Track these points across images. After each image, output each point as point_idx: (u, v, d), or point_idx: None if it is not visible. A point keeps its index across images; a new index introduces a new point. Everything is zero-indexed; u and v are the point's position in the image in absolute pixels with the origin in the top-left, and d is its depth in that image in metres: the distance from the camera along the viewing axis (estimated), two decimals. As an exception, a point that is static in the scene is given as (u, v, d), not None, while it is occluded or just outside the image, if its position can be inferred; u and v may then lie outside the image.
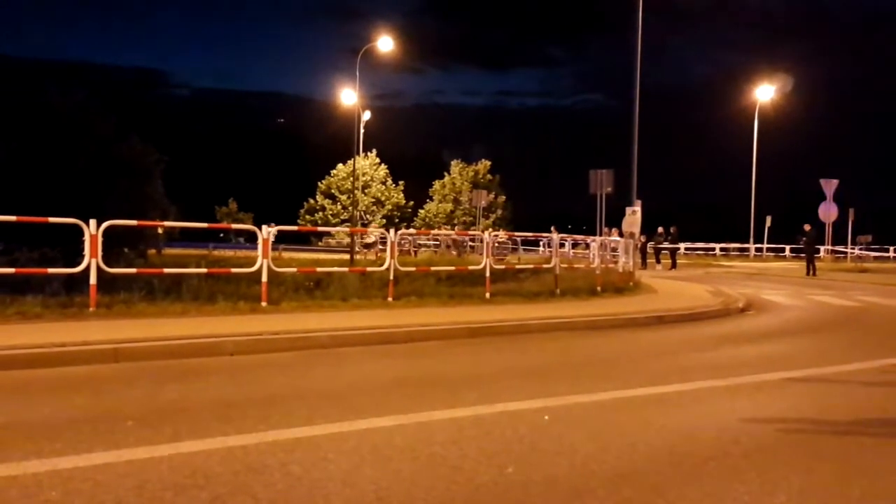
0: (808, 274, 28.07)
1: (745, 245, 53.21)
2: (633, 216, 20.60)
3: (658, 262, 33.50)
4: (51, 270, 10.70)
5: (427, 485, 4.11)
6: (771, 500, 4.04)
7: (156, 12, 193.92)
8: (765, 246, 52.08)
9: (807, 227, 29.67)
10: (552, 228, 29.15)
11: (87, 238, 10.11)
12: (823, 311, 14.94)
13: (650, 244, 33.25)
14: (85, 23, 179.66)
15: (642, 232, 27.00)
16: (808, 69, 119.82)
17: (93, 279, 10.08)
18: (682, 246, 38.92)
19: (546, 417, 5.67)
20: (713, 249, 54.14)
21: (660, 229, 33.53)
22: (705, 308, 14.11)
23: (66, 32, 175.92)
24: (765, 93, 52.22)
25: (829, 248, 40.93)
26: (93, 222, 10.11)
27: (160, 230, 16.28)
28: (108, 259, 10.48)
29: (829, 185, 32.85)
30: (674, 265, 32.77)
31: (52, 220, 10.34)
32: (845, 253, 44.91)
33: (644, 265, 30.98)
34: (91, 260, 10.08)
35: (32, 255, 11.91)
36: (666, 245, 33.61)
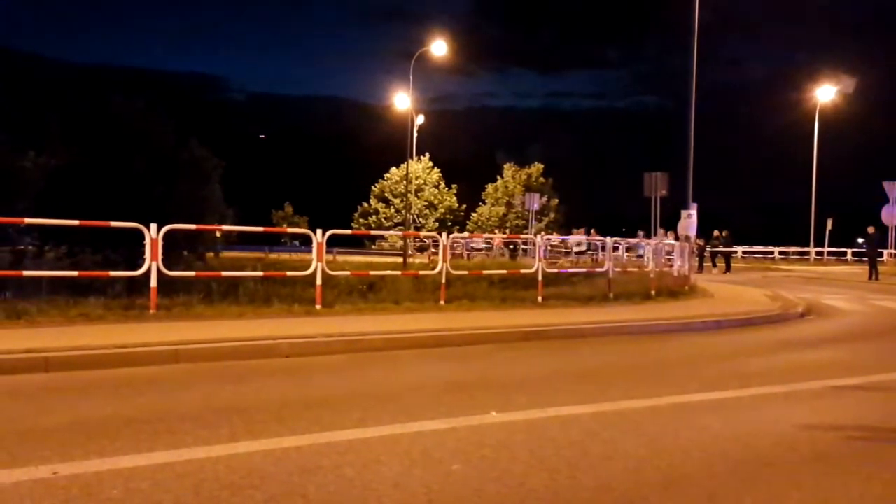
0: (870, 278, 27.32)
1: (805, 248, 51.97)
2: (689, 219, 20.32)
3: (714, 265, 32.98)
4: (113, 273, 10.99)
5: (477, 487, 4.12)
6: (829, 509, 3.96)
7: (212, 18, 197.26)
8: (825, 249, 50.80)
9: (870, 230, 28.86)
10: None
11: (147, 242, 10.33)
12: (886, 317, 14.55)
13: (707, 247, 32.75)
14: (143, 29, 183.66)
15: (698, 235, 26.61)
16: (874, 68, 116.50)
17: (153, 282, 10.31)
18: (738, 249, 38.18)
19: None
20: (771, 253, 53.05)
21: (716, 232, 33.01)
22: (763, 313, 13.85)
23: (125, 39, 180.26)
24: (826, 93, 50.98)
25: (893, 251, 39.76)
26: (153, 226, 10.34)
27: (218, 233, 16.58)
28: (167, 262, 10.70)
29: (893, 188, 31.94)
30: (728, 269, 32.21)
31: (113, 224, 10.61)
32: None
33: (700, 269, 30.52)
34: (151, 263, 10.30)
35: (95, 258, 12.25)
36: (721, 248, 33.08)
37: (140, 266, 10.43)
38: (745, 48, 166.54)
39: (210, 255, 16.76)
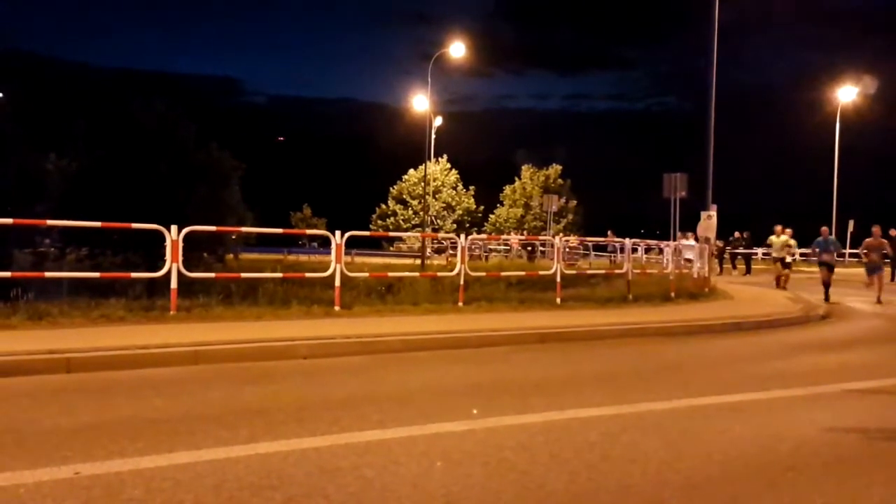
0: (892, 280, 27.05)
1: (827, 250, 51.39)
2: (709, 221, 20.18)
3: (734, 267, 32.76)
4: (133, 275, 11.06)
5: (497, 489, 4.11)
6: (852, 513, 3.93)
7: (232, 22, 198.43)
8: (847, 251, 50.36)
9: (892, 232, 28.56)
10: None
11: (168, 243, 10.39)
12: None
13: (727, 249, 32.54)
14: (163, 32, 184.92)
15: (718, 236, 26.43)
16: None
17: (174, 283, 10.37)
18: (759, 251, 37.85)
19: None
20: (793, 254, 52.63)
21: (736, 234, 32.79)
22: (784, 315, 13.75)
23: (146, 42, 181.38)
24: (847, 93, 50.53)
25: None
26: (174, 228, 10.40)
27: (233, 235, 16.66)
28: (187, 263, 10.76)
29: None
30: (748, 271, 31.98)
31: (135, 226, 10.69)
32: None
33: (720, 271, 30.33)
34: (172, 265, 10.36)
35: (116, 260, 12.35)
36: (741, 250, 32.86)
37: (160, 268, 10.49)
38: (766, 49, 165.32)
39: (229, 256, 16.86)
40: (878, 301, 17.61)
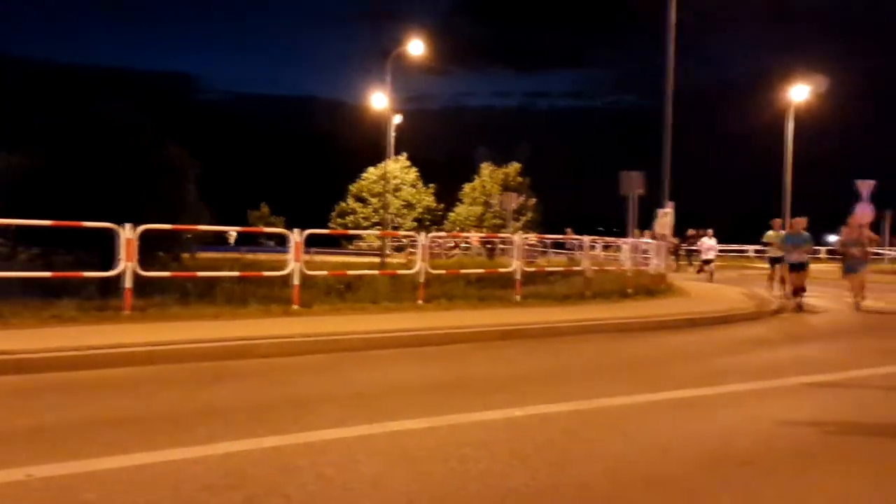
0: (844, 276, 27.59)
1: (780, 246, 52.34)
2: (665, 218, 20.46)
3: (690, 264, 33.20)
4: (86, 274, 10.83)
5: (457, 487, 4.11)
6: (806, 505, 3.99)
7: (189, 18, 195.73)
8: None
9: (843, 229, 29.15)
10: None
11: (122, 242, 10.22)
12: (860, 315, 14.71)
13: (683, 246, 32.97)
14: (118, 29, 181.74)
15: (674, 234, 26.75)
16: (848, 67, 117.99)
17: (128, 283, 10.20)
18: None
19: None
20: (746, 251, 53.49)
21: (691, 231, 33.23)
22: (738, 311, 13.96)
23: (101, 38, 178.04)
24: (799, 93, 51.47)
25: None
26: (128, 226, 10.23)
27: (191, 234, 16.42)
28: (142, 262, 10.58)
29: (866, 186, 32.33)
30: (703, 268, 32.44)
31: (86, 224, 10.47)
32: (882, 255, 44.13)
33: (676, 268, 30.71)
34: (126, 264, 10.19)
35: (68, 259, 12.08)
36: (696, 247, 33.31)
37: (115, 267, 10.32)
38: (724, 47, 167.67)
39: (186, 255, 16.61)
40: (857, 308, 15.06)
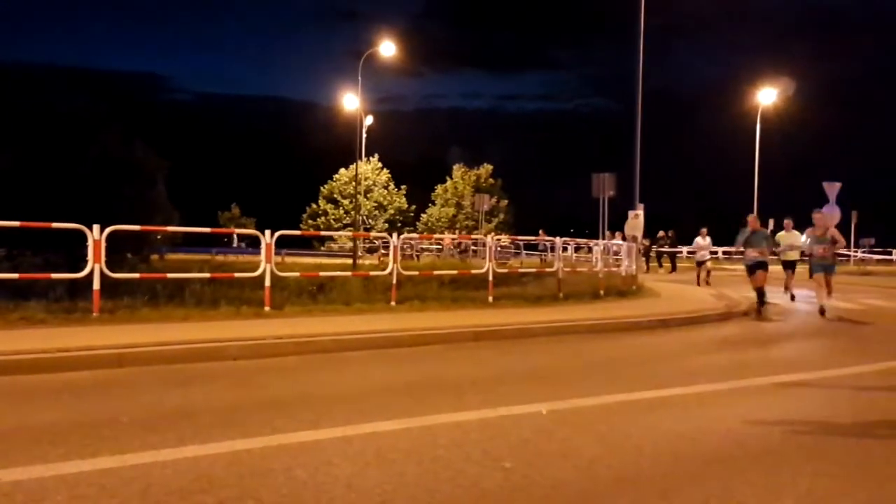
0: (811, 277, 27.95)
1: (749, 248, 52.84)
2: (636, 220, 20.60)
3: (660, 265, 33.49)
4: (54, 276, 10.70)
5: (431, 488, 4.10)
6: (777, 503, 4.03)
7: (158, 17, 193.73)
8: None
9: (808, 230, 29.52)
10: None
11: (90, 243, 10.11)
12: (827, 314, 14.89)
13: (653, 248, 33.27)
14: (86, 27, 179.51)
15: (645, 235, 26.97)
16: (816, 70, 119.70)
17: (96, 284, 10.08)
18: (684, 249, 38.79)
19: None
20: (716, 253, 54.06)
21: (661, 233, 33.54)
22: (708, 311, 14.09)
23: (68, 37, 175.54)
24: (767, 96, 52.10)
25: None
26: (96, 228, 10.12)
27: (160, 235, 16.27)
28: (111, 264, 10.46)
29: (832, 188, 32.78)
30: (674, 268, 32.77)
31: (55, 225, 10.34)
32: (848, 256, 44.76)
33: (647, 269, 30.97)
34: (95, 265, 10.08)
35: (35, 261, 11.92)
36: (667, 249, 33.62)
37: (83, 268, 10.19)
38: (693, 51, 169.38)
39: (155, 257, 16.45)
40: (821, 312, 14.37)
